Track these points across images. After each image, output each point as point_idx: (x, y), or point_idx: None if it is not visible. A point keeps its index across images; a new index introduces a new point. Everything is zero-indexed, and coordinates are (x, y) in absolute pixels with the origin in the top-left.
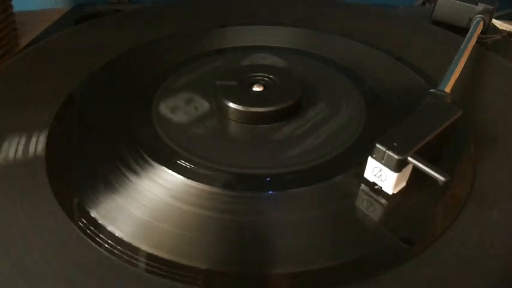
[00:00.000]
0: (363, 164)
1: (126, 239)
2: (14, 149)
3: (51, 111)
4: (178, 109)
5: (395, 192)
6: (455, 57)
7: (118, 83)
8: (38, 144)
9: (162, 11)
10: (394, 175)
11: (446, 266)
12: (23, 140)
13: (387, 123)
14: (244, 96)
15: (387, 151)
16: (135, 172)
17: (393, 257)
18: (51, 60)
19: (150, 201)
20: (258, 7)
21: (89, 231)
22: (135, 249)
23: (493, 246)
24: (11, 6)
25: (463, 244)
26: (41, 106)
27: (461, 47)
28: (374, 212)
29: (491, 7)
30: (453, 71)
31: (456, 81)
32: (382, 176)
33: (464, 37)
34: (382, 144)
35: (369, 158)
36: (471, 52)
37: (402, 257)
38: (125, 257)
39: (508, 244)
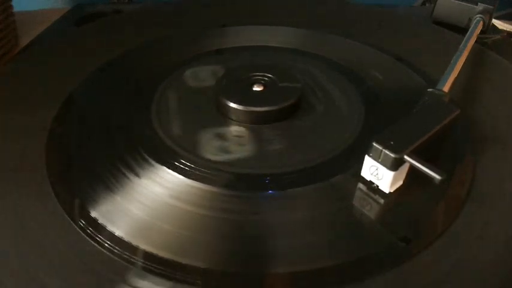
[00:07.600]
0: (361, 164)
1: (126, 238)
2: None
3: (51, 111)
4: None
5: (392, 191)
6: (454, 57)
7: (118, 83)
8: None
9: (162, 11)
10: (390, 174)
11: (445, 265)
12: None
13: (386, 123)
14: (244, 95)
15: (384, 150)
16: (135, 172)
17: (392, 256)
18: (51, 60)
19: (150, 201)
20: (258, 7)
21: (89, 231)
22: (135, 249)
23: (493, 246)
24: (11, 6)
25: (462, 244)
26: (41, 106)
27: (461, 46)
28: (371, 211)
29: (491, 7)
30: (452, 71)
31: (456, 81)
32: (379, 174)
33: (464, 37)
34: (378, 143)
35: (366, 156)
36: (471, 52)
37: (401, 257)
38: (125, 256)
39: (507, 244)
